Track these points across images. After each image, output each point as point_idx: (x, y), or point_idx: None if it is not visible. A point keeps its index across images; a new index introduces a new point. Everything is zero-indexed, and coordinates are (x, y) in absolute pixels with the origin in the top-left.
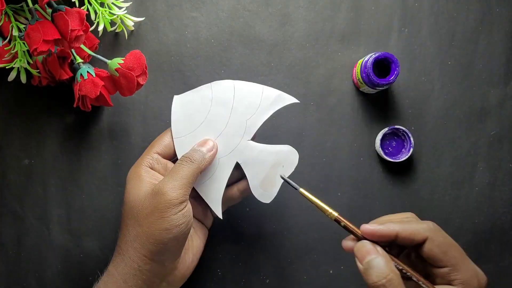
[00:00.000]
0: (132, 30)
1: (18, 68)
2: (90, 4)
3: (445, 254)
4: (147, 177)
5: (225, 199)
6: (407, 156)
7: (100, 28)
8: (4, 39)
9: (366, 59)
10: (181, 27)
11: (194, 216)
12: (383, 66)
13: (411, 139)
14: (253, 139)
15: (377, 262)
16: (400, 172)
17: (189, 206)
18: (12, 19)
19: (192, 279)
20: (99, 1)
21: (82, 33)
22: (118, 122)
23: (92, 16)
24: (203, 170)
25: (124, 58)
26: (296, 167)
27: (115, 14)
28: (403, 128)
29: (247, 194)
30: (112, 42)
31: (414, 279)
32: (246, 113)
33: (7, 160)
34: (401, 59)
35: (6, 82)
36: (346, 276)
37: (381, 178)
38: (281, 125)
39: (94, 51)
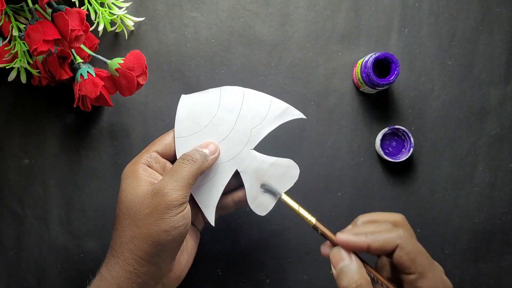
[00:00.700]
0: (132, 30)
1: (18, 68)
2: (90, 4)
3: (413, 261)
4: (145, 176)
5: (219, 207)
6: (407, 156)
7: (100, 28)
8: (4, 39)
9: (366, 59)
10: (181, 27)
11: None
12: (383, 66)
13: (411, 139)
14: (254, 148)
15: (349, 268)
16: (400, 172)
17: (188, 208)
18: (12, 19)
19: (192, 279)
20: (99, 1)
21: (82, 33)
22: (118, 122)
23: (92, 16)
24: (204, 172)
25: (124, 58)
26: None
27: (115, 14)
28: (403, 128)
29: (242, 205)
30: (112, 42)
31: (384, 286)
32: (252, 122)
33: (7, 160)
34: (401, 59)
35: (6, 82)
36: None
37: (381, 178)
38: (281, 125)
39: (94, 51)
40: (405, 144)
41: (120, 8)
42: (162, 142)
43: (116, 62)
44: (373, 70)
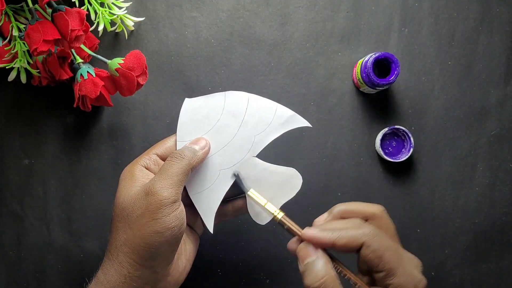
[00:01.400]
0: (132, 30)
1: (18, 68)
2: (90, 4)
3: (380, 259)
4: (140, 177)
5: (218, 214)
6: (407, 156)
7: (100, 28)
8: (4, 39)
9: (366, 59)
10: (181, 27)
11: None
12: (383, 66)
13: (411, 139)
14: (257, 155)
15: (314, 264)
16: (400, 172)
17: (182, 208)
18: (12, 19)
19: (192, 279)
20: (99, 1)
21: (82, 33)
22: (118, 122)
23: (92, 16)
24: (195, 167)
25: (124, 58)
26: (297, 167)
27: (115, 14)
28: (403, 128)
29: (241, 214)
30: (112, 42)
31: (352, 282)
32: (256, 129)
33: (7, 160)
34: (401, 59)
35: (6, 82)
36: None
37: (381, 178)
38: None
39: (94, 51)
40: (405, 144)
41: (120, 8)
42: (163, 145)
43: (116, 62)
44: (373, 70)
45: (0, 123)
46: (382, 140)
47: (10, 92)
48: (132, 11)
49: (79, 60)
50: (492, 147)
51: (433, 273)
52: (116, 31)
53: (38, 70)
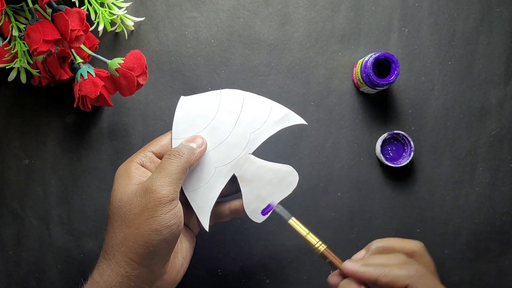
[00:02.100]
0: (132, 30)
1: (18, 68)
2: (90, 4)
3: None
4: (137, 175)
5: (214, 214)
6: (408, 161)
7: (100, 28)
8: (4, 39)
9: (366, 59)
10: (181, 27)
11: None
12: (383, 66)
13: (411, 143)
14: (253, 153)
15: None
16: (400, 172)
17: (180, 206)
18: (12, 19)
19: (192, 279)
20: (99, 1)
21: (82, 33)
22: (118, 122)
23: (92, 16)
24: (193, 165)
25: (124, 58)
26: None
27: (115, 14)
28: (403, 133)
29: (238, 215)
30: (112, 42)
31: None
32: (251, 126)
33: (7, 160)
34: (401, 59)
35: (6, 82)
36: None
37: (381, 178)
38: None
39: (94, 51)
40: (405, 148)
41: (120, 8)
42: (159, 143)
43: (116, 62)
44: (373, 70)
45: (0, 123)
46: (382, 145)
47: (10, 92)
48: (132, 11)
49: (79, 60)
50: (492, 147)
51: None
52: (116, 31)
53: (38, 70)
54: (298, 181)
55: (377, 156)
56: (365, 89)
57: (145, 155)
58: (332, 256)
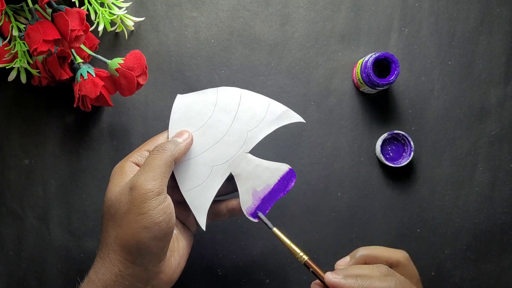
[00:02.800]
0: (132, 30)
1: (18, 68)
2: (90, 4)
3: None
4: (130, 173)
5: (211, 213)
6: (408, 161)
7: (100, 28)
8: (4, 39)
9: (366, 59)
10: (181, 27)
11: (176, 217)
12: (383, 66)
13: (411, 143)
14: (250, 151)
15: None
16: (400, 172)
17: (169, 202)
18: (12, 19)
19: (192, 279)
20: (99, 1)
21: (82, 33)
22: (118, 122)
23: (92, 16)
24: (178, 159)
25: (124, 58)
26: (297, 167)
27: (115, 14)
28: (403, 133)
29: (235, 214)
30: (112, 42)
31: None
32: (249, 124)
33: (7, 160)
34: (401, 59)
35: (6, 82)
36: None
37: (381, 178)
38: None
39: (94, 51)
40: (405, 148)
41: (120, 8)
42: (155, 142)
43: (116, 62)
44: (373, 70)
45: (0, 123)
46: (382, 145)
47: (10, 92)
48: (132, 11)
49: (79, 60)
50: (492, 147)
51: (433, 273)
52: (116, 31)
53: (38, 70)
54: (298, 181)
55: (377, 156)
56: (365, 89)
57: (141, 154)
58: (314, 267)
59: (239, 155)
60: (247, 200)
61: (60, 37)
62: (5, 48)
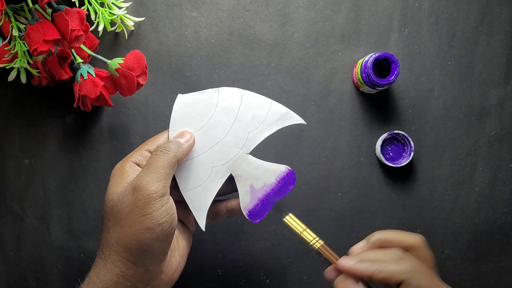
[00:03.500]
0: (132, 30)
1: (18, 68)
2: (90, 4)
3: None
4: (131, 173)
5: (211, 213)
6: (408, 161)
7: (100, 28)
8: (4, 39)
9: (366, 59)
10: (181, 27)
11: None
12: (383, 66)
13: (411, 143)
14: (251, 152)
15: None
16: (400, 172)
17: (171, 203)
18: (12, 19)
19: (192, 279)
20: (99, 1)
21: (82, 33)
22: (118, 122)
23: (92, 16)
24: (181, 160)
25: (124, 58)
26: (297, 167)
27: (115, 14)
28: (403, 133)
29: (235, 214)
30: (112, 42)
31: None
32: (250, 125)
33: (7, 160)
34: (401, 59)
35: (6, 82)
36: None
37: (381, 178)
38: None
39: (94, 51)
40: (405, 148)
41: (120, 8)
42: (155, 142)
43: (116, 62)
44: (373, 70)
45: (0, 123)
46: (382, 145)
47: (10, 92)
48: (132, 11)
49: (79, 60)
50: (492, 147)
51: None
52: (116, 31)
53: (38, 70)
54: (298, 181)
55: (377, 156)
56: (365, 89)
57: (141, 153)
58: (328, 253)
59: (239, 156)
60: (246, 201)
61: (60, 37)
62: (5, 48)
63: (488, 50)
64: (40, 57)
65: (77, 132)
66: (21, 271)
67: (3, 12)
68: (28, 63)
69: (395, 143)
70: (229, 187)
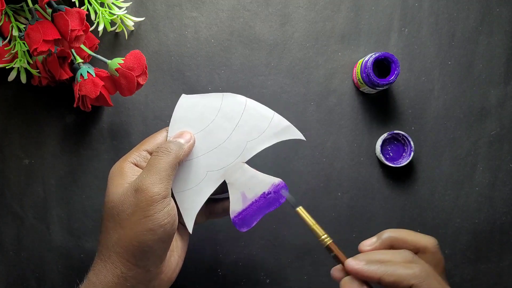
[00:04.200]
0: (132, 30)
1: (18, 68)
2: (90, 4)
3: None
4: (130, 174)
5: (208, 212)
6: (408, 161)
7: (100, 28)
8: (4, 39)
9: (366, 59)
10: (181, 27)
11: None
12: (383, 66)
13: (411, 143)
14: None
15: None
16: (400, 172)
17: (173, 204)
18: (12, 19)
19: (192, 279)
20: (99, 1)
21: (82, 33)
22: (118, 122)
23: (92, 16)
24: (182, 161)
25: (124, 58)
26: (297, 167)
27: (115, 14)
28: (403, 133)
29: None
30: (112, 42)
31: None
32: (249, 135)
33: (7, 160)
34: (401, 59)
35: (6, 82)
36: None
37: (381, 178)
38: None
39: (94, 51)
40: (405, 148)
41: (120, 8)
42: (154, 141)
43: (116, 62)
44: (373, 70)
45: (0, 123)
46: (382, 145)
47: (10, 92)
48: (132, 11)
49: (79, 60)
50: (492, 147)
51: None
52: (116, 31)
53: (38, 70)
54: (298, 181)
55: (377, 156)
56: (365, 89)
57: (139, 154)
58: (337, 251)
59: (235, 164)
60: (236, 209)
61: (60, 37)
62: (5, 48)
63: (488, 50)
64: (40, 57)
65: (77, 132)
66: (21, 271)
67: (3, 12)
68: (28, 63)
69: (395, 143)
70: (225, 188)
